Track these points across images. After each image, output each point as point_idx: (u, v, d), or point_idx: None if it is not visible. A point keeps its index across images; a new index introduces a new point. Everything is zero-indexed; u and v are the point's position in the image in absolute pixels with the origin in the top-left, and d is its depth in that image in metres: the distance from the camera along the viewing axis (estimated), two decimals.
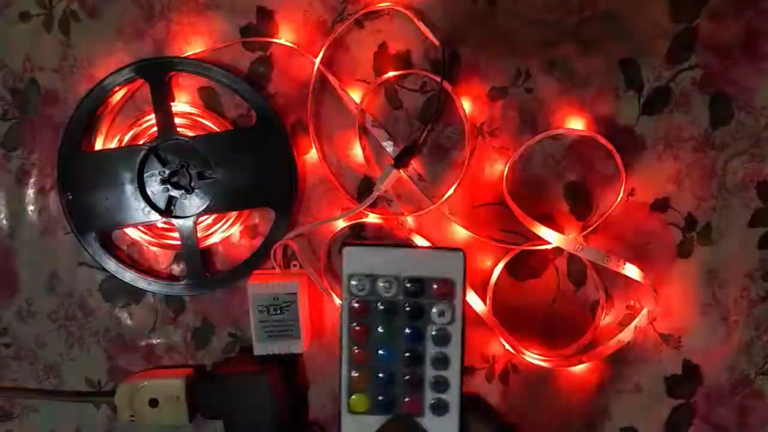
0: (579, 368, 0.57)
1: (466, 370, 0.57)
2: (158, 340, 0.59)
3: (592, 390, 0.57)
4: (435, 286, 0.35)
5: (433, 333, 0.35)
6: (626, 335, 0.56)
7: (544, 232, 0.54)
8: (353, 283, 0.35)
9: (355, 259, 0.35)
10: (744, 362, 0.57)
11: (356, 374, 0.36)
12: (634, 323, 0.56)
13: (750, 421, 0.58)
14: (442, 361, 0.36)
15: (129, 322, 0.59)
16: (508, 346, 0.56)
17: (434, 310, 0.35)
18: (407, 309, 0.35)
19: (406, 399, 0.36)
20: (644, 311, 0.56)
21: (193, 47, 0.55)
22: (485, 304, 0.56)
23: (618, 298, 0.57)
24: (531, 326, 0.57)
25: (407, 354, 0.36)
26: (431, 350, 0.36)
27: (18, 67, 0.57)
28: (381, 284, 0.35)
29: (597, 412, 0.58)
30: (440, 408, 0.36)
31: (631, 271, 0.54)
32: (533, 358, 0.56)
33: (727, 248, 0.56)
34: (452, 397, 0.36)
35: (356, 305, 0.35)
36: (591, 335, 0.56)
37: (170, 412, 0.55)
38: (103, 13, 0.56)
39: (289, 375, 0.56)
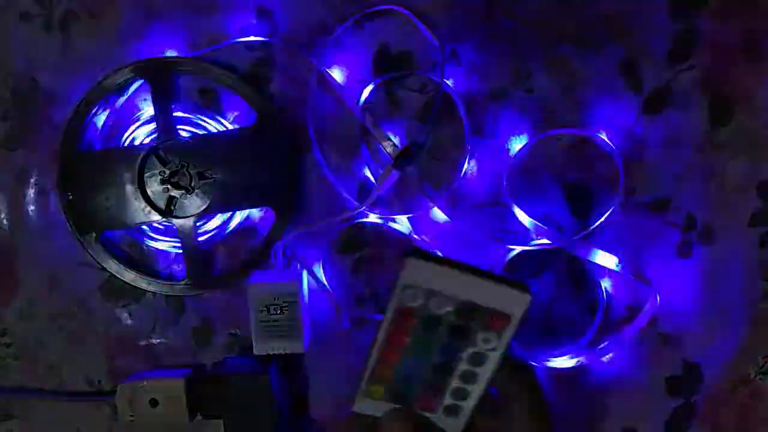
0: (578, 368, 0.57)
1: None
2: (158, 340, 0.59)
3: (592, 390, 0.57)
4: (490, 317, 0.33)
5: (471, 353, 0.34)
6: (626, 335, 0.56)
7: (544, 232, 0.54)
8: (407, 292, 0.33)
9: (416, 272, 0.32)
10: (744, 362, 0.57)
11: (382, 370, 0.35)
12: (633, 323, 0.56)
13: (750, 421, 0.58)
14: (470, 377, 0.35)
15: (129, 322, 0.59)
16: None
17: (480, 335, 0.34)
18: (453, 328, 0.34)
19: (423, 399, 0.36)
20: (644, 311, 0.56)
21: (193, 47, 0.55)
22: None
23: (617, 298, 0.57)
24: (531, 326, 0.57)
25: (437, 364, 0.35)
26: (462, 367, 0.35)
27: (18, 67, 0.57)
28: (434, 300, 0.33)
29: (597, 412, 0.58)
30: (454, 411, 0.36)
31: (630, 271, 0.54)
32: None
33: (726, 248, 0.56)
34: (469, 404, 0.35)
35: (402, 313, 0.34)
36: (590, 335, 0.56)
37: (170, 411, 0.55)
38: (104, 13, 0.56)
39: (288, 375, 0.56)
